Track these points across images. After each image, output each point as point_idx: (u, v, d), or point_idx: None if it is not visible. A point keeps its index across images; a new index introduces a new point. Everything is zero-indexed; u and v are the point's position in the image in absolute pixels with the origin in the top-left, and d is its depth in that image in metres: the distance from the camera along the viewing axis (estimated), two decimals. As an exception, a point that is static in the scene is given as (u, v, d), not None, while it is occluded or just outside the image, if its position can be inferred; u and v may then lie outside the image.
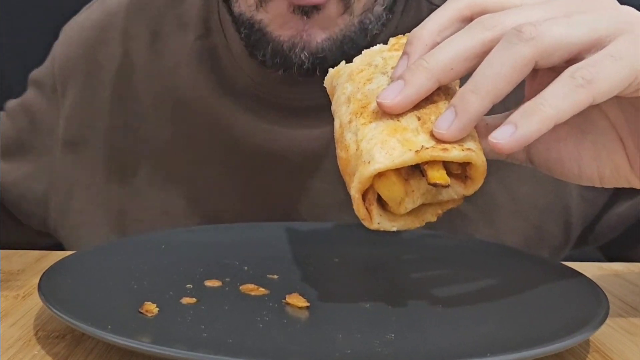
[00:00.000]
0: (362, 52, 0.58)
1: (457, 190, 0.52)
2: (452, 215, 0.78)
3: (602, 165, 0.55)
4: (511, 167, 0.68)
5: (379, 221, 0.52)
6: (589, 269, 0.67)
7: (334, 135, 0.55)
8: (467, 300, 0.57)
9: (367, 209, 0.51)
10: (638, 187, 0.56)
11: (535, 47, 0.48)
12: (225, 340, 0.49)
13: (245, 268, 0.63)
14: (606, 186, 0.56)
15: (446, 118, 0.50)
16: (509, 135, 0.48)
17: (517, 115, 0.49)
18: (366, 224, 0.52)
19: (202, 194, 0.80)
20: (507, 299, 0.57)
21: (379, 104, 0.51)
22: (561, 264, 0.64)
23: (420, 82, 0.51)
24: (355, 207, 0.51)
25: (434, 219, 0.54)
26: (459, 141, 0.50)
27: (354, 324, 0.53)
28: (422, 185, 0.51)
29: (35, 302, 0.58)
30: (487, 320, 0.54)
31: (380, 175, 0.50)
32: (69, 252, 0.63)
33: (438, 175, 0.49)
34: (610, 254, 0.86)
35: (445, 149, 0.49)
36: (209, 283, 0.59)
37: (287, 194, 0.78)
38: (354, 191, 0.50)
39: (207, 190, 0.80)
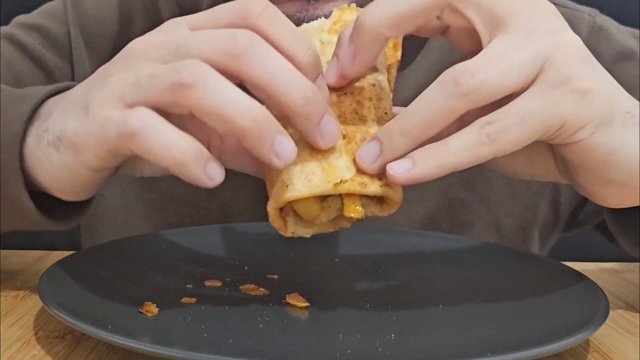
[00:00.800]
0: (302, 25, 0.56)
1: (373, 211, 0.54)
2: (451, 203, 0.79)
3: (535, 169, 0.58)
4: None
5: (293, 230, 0.53)
6: (589, 269, 0.67)
7: None
8: (468, 301, 0.57)
9: (283, 218, 0.53)
10: (566, 183, 0.58)
11: (469, 102, 0.49)
12: (225, 340, 0.49)
13: (246, 268, 0.63)
14: (537, 180, 0.60)
15: (370, 152, 0.51)
16: (405, 170, 0.50)
17: (420, 153, 0.50)
18: (281, 232, 0.53)
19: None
20: (507, 299, 0.57)
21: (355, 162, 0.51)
22: (561, 264, 0.64)
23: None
24: (270, 220, 0.52)
25: (348, 225, 0.55)
26: (379, 174, 0.51)
27: (354, 324, 0.53)
28: (339, 202, 0.52)
29: (35, 302, 0.58)
30: (488, 320, 0.53)
31: None
32: (68, 252, 0.63)
33: (353, 209, 0.51)
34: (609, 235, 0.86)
35: (363, 184, 0.50)
36: (209, 283, 0.59)
37: None
38: (270, 209, 0.52)
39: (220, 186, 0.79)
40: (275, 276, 0.61)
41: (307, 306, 0.55)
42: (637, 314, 0.61)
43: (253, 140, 0.48)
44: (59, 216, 0.59)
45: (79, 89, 0.55)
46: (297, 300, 0.56)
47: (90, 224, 0.83)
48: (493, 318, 0.54)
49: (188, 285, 0.58)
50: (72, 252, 0.63)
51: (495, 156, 0.50)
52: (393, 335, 0.51)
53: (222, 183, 0.81)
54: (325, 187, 0.50)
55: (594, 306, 0.54)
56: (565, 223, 0.85)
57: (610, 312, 0.53)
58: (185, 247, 0.67)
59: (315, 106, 0.49)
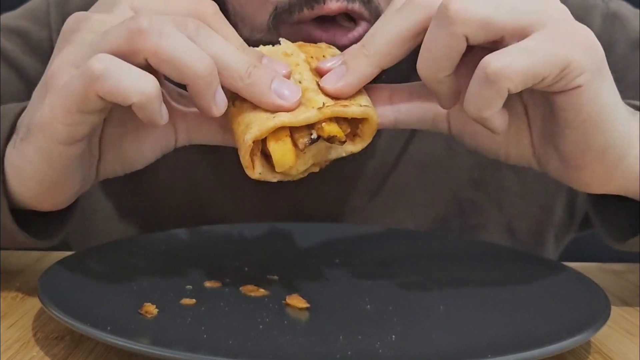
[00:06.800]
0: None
1: (346, 148, 0.56)
2: (462, 205, 0.78)
3: (510, 146, 0.58)
4: None
5: (260, 171, 0.54)
6: (590, 269, 0.67)
7: None
8: (468, 301, 0.57)
9: (252, 158, 0.54)
10: (538, 170, 0.59)
11: (428, 14, 0.51)
12: (225, 341, 0.49)
13: (245, 269, 0.63)
14: (511, 164, 0.59)
15: (336, 73, 0.53)
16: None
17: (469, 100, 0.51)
18: (248, 172, 0.54)
19: (212, 197, 0.79)
20: (508, 300, 0.57)
21: (321, 88, 0.53)
22: (562, 264, 0.64)
23: (362, 69, 0.53)
24: (242, 153, 0.53)
25: (317, 169, 0.57)
26: (354, 99, 0.54)
27: (354, 325, 0.53)
28: (314, 148, 0.54)
29: (34, 302, 0.58)
30: (488, 321, 0.53)
31: (276, 138, 0.53)
32: (68, 253, 0.63)
33: (335, 129, 0.53)
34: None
35: (345, 106, 0.53)
36: (208, 284, 0.59)
37: (300, 199, 0.77)
38: (250, 137, 0.52)
39: (218, 193, 0.78)
40: (276, 277, 0.61)
41: (307, 307, 0.55)
42: (638, 315, 0.61)
43: (201, 87, 0.51)
44: (42, 235, 0.60)
45: (37, 87, 0.56)
46: (297, 302, 0.55)
47: (84, 240, 0.81)
48: (493, 319, 0.54)
49: (188, 286, 0.58)
50: (72, 252, 0.63)
51: (511, 90, 0.50)
52: (394, 336, 0.51)
53: (221, 195, 0.80)
54: (311, 114, 0.52)
55: (595, 307, 0.54)
56: (580, 223, 0.82)
57: (611, 313, 0.53)
58: (184, 247, 0.66)
59: (259, 74, 0.52)
